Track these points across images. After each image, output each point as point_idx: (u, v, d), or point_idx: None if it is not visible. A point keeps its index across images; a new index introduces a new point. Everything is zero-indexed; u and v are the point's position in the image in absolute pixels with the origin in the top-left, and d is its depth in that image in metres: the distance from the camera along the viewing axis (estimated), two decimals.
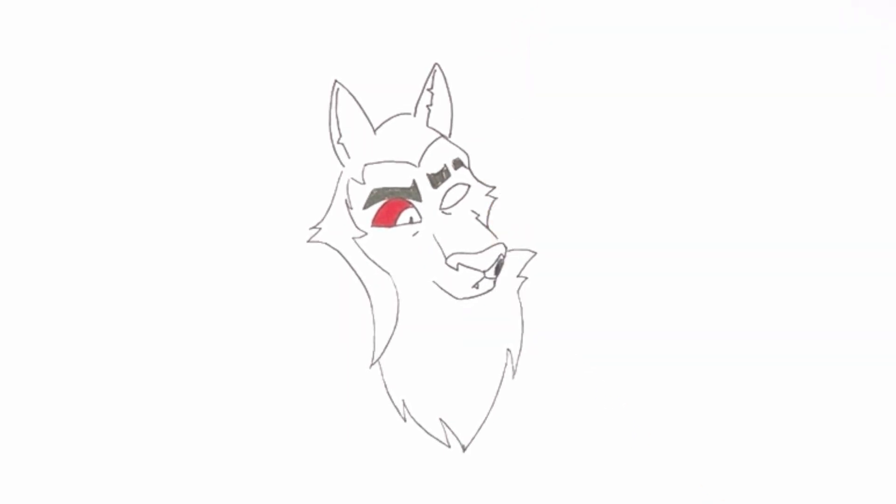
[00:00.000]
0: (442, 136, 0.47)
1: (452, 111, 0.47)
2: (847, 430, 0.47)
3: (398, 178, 0.47)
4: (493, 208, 0.47)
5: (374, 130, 0.47)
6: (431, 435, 0.47)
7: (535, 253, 0.47)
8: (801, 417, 0.47)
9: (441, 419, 0.47)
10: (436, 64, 0.47)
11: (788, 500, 0.47)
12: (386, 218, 0.47)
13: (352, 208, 0.47)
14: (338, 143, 0.47)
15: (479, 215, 0.47)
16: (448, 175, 0.47)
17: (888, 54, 0.47)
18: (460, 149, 0.47)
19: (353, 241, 0.47)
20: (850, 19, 0.47)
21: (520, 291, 0.47)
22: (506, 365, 0.47)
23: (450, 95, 0.47)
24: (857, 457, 0.47)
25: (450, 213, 0.47)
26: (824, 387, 0.47)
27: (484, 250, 0.47)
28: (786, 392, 0.47)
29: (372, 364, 0.47)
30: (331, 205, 0.47)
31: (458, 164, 0.47)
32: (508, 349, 0.47)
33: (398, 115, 0.47)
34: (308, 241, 0.46)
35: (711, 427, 0.46)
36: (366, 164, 0.47)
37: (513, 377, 0.47)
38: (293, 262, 0.46)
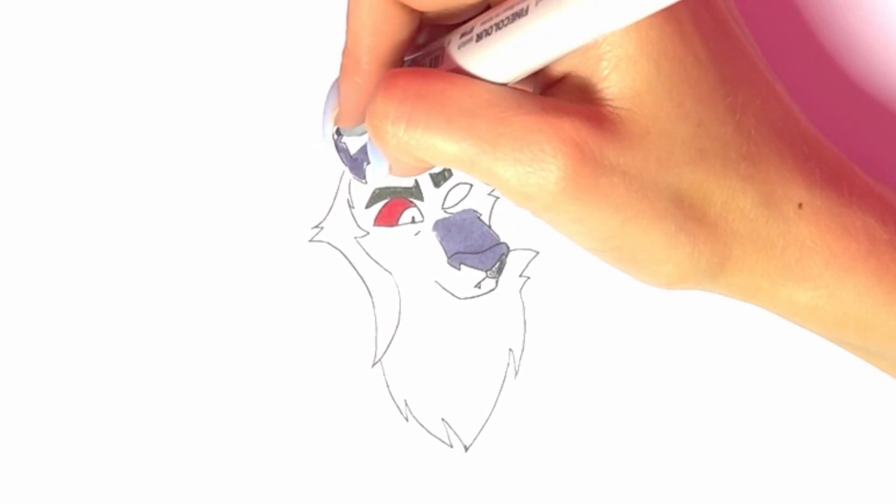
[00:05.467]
0: None
1: None
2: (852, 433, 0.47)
3: (400, 178, 0.47)
4: (495, 208, 0.47)
5: None
6: (434, 435, 0.47)
7: (538, 253, 0.47)
8: (806, 419, 0.46)
9: (443, 419, 0.47)
10: None
11: (789, 501, 0.46)
12: (388, 217, 0.47)
13: (353, 208, 0.47)
14: (340, 142, 0.47)
15: (480, 215, 0.47)
16: (450, 174, 0.47)
17: None
18: None
19: (355, 241, 0.47)
20: None
21: (522, 291, 0.47)
22: (508, 365, 0.47)
23: None
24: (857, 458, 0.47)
25: (452, 213, 0.47)
26: (831, 390, 0.46)
27: (486, 250, 0.47)
28: (790, 393, 0.46)
29: (374, 364, 0.47)
30: (332, 204, 0.47)
31: None
32: (511, 349, 0.47)
33: None
34: (310, 241, 0.47)
35: (714, 428, 0.46)
36: (367, 164, 0.47)
37: (515, 377, 0.47)
38: (295, 262, 0.46)
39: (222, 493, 0.46)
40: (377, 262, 0.47)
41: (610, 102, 0.34)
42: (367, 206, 0.47)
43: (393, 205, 0.47)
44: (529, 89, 0.36)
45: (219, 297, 0.46)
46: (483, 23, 0.35)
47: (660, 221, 0.34)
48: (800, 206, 0.36)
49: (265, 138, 0.46)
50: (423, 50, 0.39)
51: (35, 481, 0.45)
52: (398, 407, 0.47)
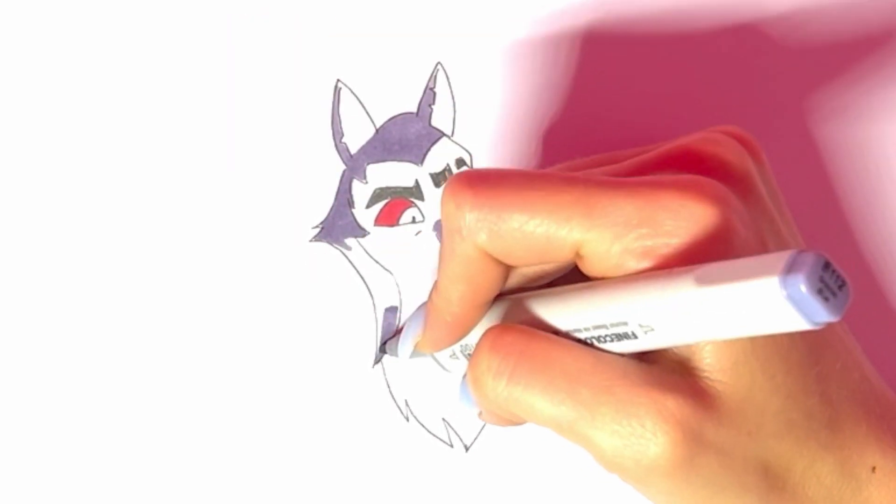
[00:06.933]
0: (444, 135, 0.47)
1: (455, 110, 0.47)
2: None
3: (401, 178, 0.47)
4: None
5: (377, 130, 0.47)
6: (434, 435, 0.47)
7: None
8: None
9: (444, 419, 0.47)
10: (438, 63, 0.47)
11: None
12: (388, 217, 0.47)
13: (354, 208, 0.47)
14: (340, 142, 0.47)
15: None
16: (451, 174, 0.47)
17: None
18: (463, 148, 0.47)
19: (355, 241, 0.47)
20: None
21: None
22: None
23: (452, 95, 0.47)
24: None
25: None
26: None
27: None
28: None
29: (375, 364, 0.47)
30: (333, 204, 0.47)
31: (460, 163, 0.47)
32: None
33: (401, 114, 0.47)
34: (310, 241, 0.47)
35: None
36: (368, 164, 0.47)
37: None
38: (295, 262, 0.46)
39: (222, 494, 0.46)
40: (377, 262, 0.47)
41: (708, 375, 0.34)
42: (368, 206, 0.47)
43: (393, 205, 0.47)
44: None
45: (219, 298, 0.46)
46: (580, 330, 0.34)
47: (745, 495, 0.34)
48: (873, 469, 0.36)
49: (266, 138, 0.46)
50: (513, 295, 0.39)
51: (35, 481, 0.45)
52: (399, 407, 0.47)
